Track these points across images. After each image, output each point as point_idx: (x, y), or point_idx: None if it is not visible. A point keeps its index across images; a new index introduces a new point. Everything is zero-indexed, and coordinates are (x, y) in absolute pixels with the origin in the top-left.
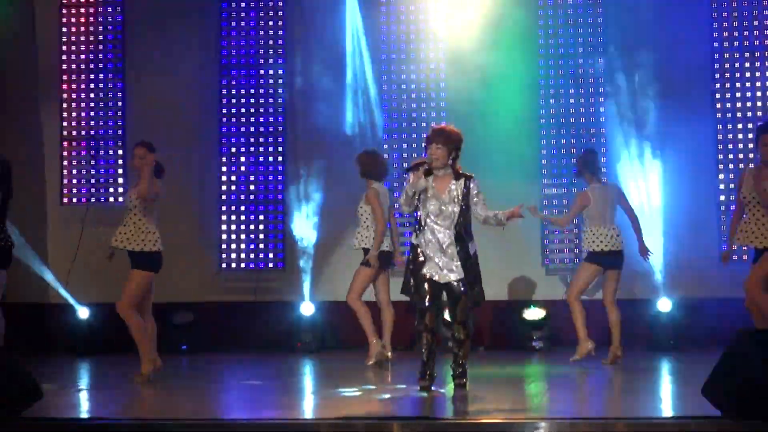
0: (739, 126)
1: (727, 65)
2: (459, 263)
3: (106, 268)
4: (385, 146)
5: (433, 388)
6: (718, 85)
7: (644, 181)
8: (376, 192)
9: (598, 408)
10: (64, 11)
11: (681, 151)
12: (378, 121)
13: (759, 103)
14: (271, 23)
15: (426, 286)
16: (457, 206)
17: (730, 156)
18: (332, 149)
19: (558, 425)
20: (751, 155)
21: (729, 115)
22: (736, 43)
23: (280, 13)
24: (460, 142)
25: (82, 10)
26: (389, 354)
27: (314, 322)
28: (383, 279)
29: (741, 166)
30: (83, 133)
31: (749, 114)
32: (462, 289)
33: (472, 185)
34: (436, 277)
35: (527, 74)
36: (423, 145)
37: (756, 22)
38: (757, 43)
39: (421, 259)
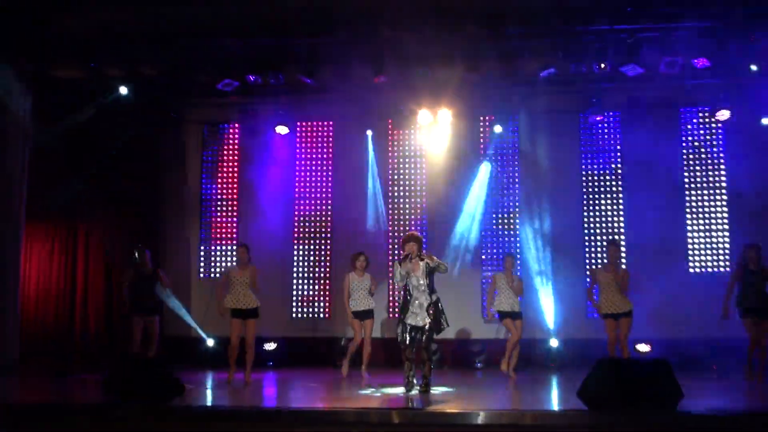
0: None
1: None
2: (430, 312)
3: None
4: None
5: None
6: None
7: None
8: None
9: (506, 403)
10: None
11: None
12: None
13: None
14: None
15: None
16: (425, 278)
17: None
18: None
19: (491, 415)
20: None
21: None
22: None
23: None
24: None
25: None
26: None
27: None
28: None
29: None
30: None
31: None
32: (427, 327)
33: (428, 262)
34: (413, 323)
35: None
36: (402, 243)
37: None
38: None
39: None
